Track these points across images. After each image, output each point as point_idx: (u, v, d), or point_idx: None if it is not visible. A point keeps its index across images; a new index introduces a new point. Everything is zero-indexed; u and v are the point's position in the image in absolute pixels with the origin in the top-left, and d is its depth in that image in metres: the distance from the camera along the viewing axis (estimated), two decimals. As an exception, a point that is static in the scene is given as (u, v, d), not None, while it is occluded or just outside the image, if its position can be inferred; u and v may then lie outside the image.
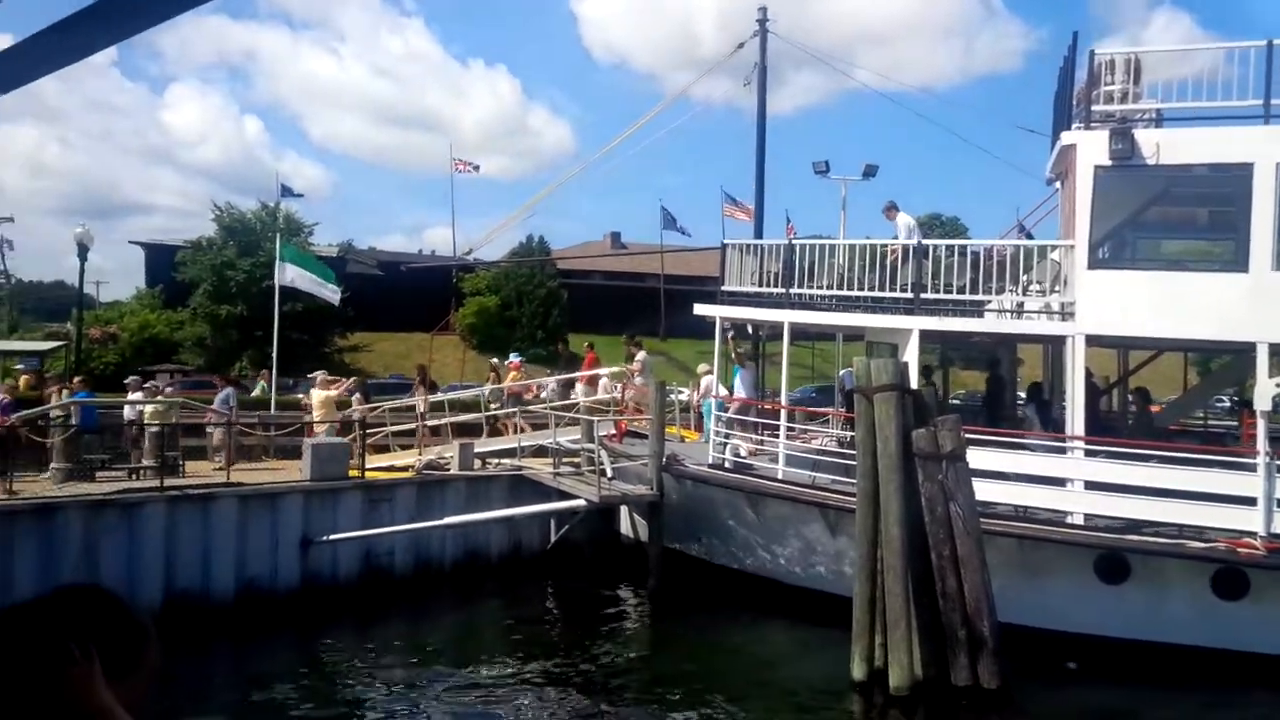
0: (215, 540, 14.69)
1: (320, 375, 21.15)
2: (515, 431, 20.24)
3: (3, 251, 57.95)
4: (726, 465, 16.41)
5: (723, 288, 17.68)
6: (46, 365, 34.29)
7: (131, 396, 19.08)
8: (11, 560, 12.95)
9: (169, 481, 15.37)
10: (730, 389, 18.60)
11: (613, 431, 19.19)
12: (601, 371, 21.85)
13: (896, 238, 16.76)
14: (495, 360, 27.57)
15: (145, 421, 17.73)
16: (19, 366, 32.99)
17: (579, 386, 21.76)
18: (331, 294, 25.28)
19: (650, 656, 14.06)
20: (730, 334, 19.60)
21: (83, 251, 29.35)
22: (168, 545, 14.29)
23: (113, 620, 1.73)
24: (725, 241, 18.63)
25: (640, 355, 21.24)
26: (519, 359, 25.28)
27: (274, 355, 23.54)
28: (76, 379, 22.90)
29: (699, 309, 18.14)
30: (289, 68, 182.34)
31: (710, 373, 19.65)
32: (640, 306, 52.89)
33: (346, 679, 12.62)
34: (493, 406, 21.70)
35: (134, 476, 16.33)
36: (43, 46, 1.97)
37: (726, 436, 16.89)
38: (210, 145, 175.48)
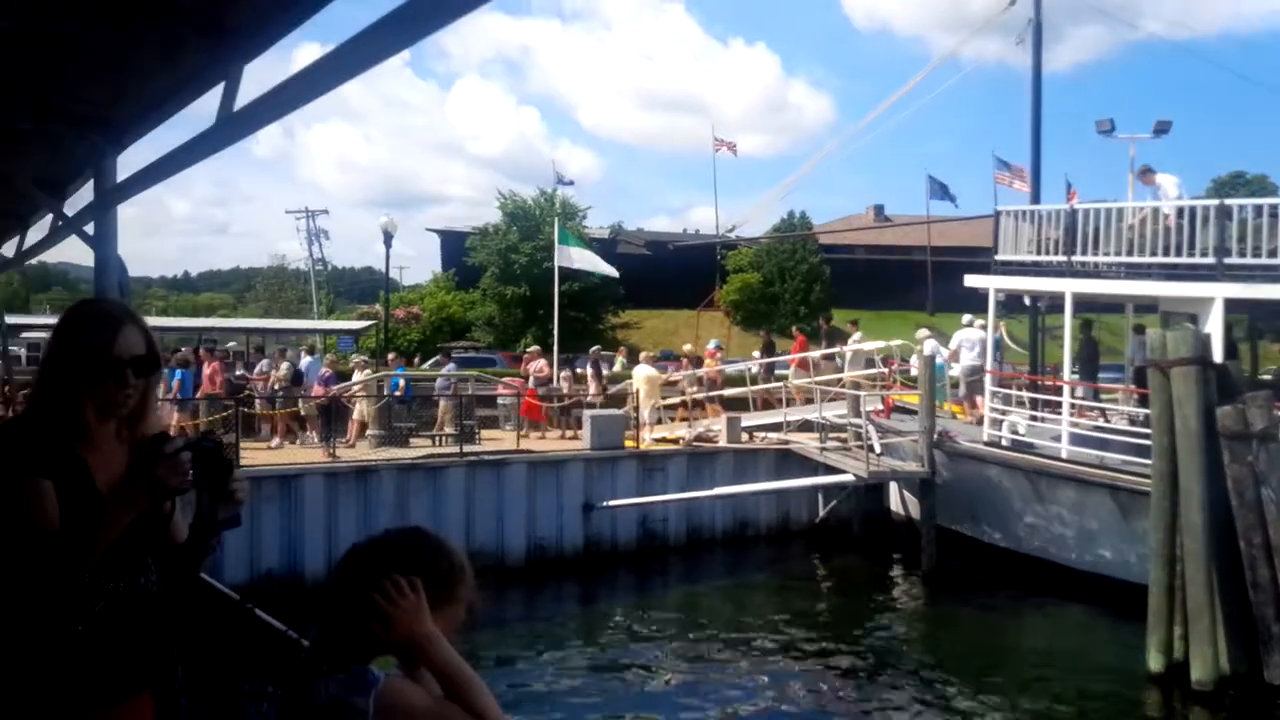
0: (508, 502, 15.99)
1: (644, 354, 22.60)
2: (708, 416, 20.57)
3: (320, 241, 65.00)
4: (1004, 443, 15.81)
5: (996, 257, 16.97)
6: (359, 343, 38.19)
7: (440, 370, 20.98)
8: (336, 514, 14.75)
9: (467, 448, 16.91)
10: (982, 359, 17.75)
11: (880, 407, 18.95)
12: (813, 354, 22.02)
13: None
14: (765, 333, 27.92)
15: (448, 394, 19.54)
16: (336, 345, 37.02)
17: (790, 369, 22.09)
18: (610, 269, 26.59)
19: (926, 636, 13.85)
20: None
21: (388, 239, 32.44)
22: (467, 505, 15.72)
23: (434, 558, 2.02)
24: (999, 208, 17.84)
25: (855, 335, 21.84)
26: (715, 346, 25.59)
27: (555, 332, 24.98)
28: (391, 355, 25.51)
29: (970, 280, 17.51)
30: (560, 59, 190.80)
31: (930, 337, 19.35)
32: (905, 280, 51.29)
33: (621, 632, 13.42)
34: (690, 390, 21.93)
35: (437, 443, 18.07)
36: (347, 53, 2.24)
37: (1003, 413, 16.26)
38: (492, 137, 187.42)
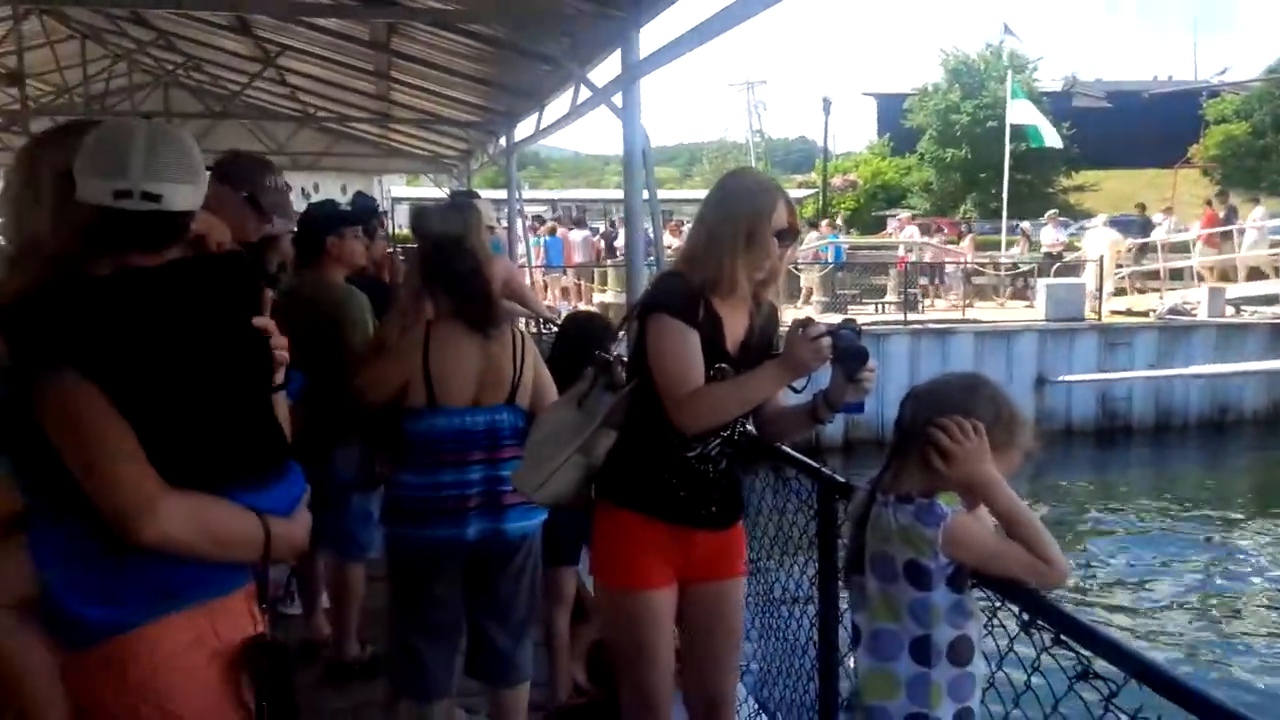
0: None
1: (1099, 217, 20.98)
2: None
3: (758, 114, 66.30)
4: None
5: None
6: (800, 210, 38.73)
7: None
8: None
9: (911, 316, 16.72)
10: None
11: None
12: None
13: None
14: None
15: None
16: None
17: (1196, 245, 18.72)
18: (1055, 138, 24.38)
19: None
20: None
21: (826, 106, 32.25)
22: (911, 374, 15.63)
23: (994, 403, 2.06)
24: None
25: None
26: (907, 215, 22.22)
27: (1003, 197, 23.56)
28: (823, 223, 25.75)
29: None
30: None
31: None
32: None
33: (1072, 506, 12.78)
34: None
35: (879, 310, 18.08)
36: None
37: None
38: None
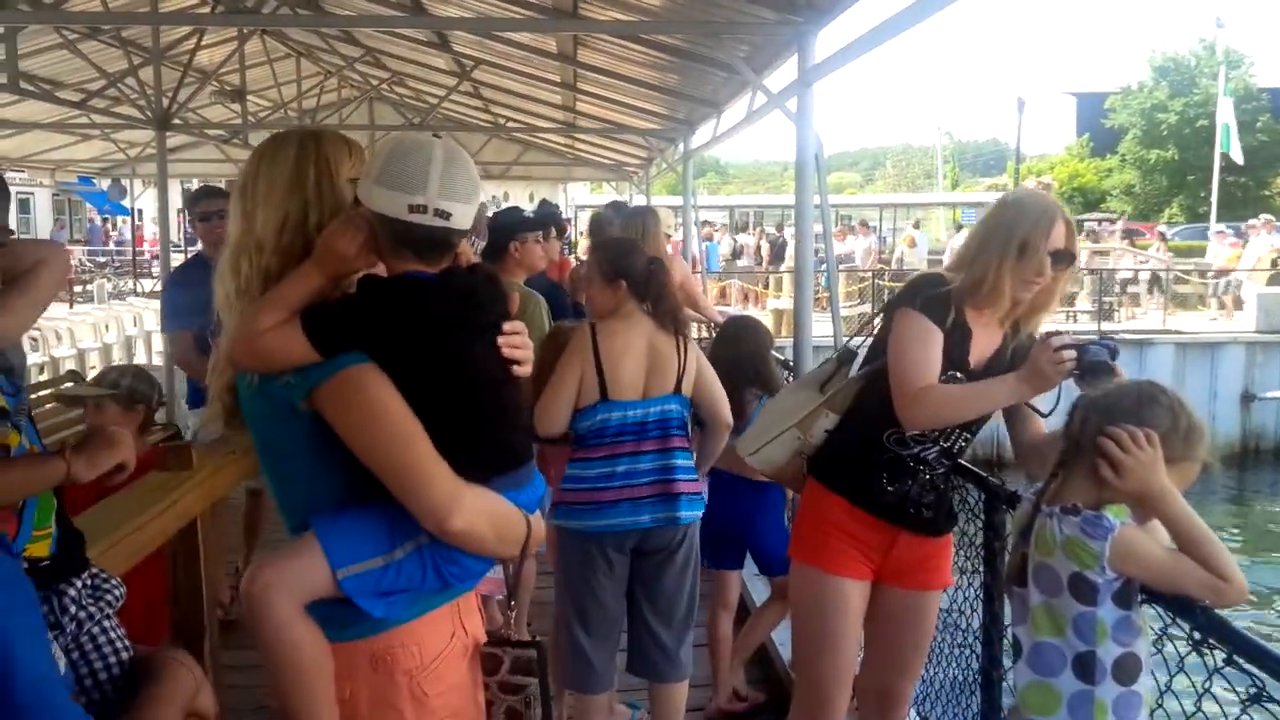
0: (1152, 386, 14.74)
1: None
2: None
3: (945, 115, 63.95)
4: None
5: None
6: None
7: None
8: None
9: (1105, 326, 15.85)
10: None
11: None
12: None
13: None
14: None
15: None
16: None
17: None
18: (1236, 151, 22.32)
19: None
20: None
21: (1020, 106, 30.88)
22: (1103, 388, 14.83)
23: (1173, 413, 1.97)
24: None
25: None
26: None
27: (1213, 199, 21.96)
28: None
29: None
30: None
31: None
32: None
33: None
34: None
35: (1069, 319, 17.21)
36: None
37: None
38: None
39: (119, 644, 2.07)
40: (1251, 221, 19.59)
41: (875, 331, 2.71)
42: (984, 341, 2.55)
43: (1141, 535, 1.95)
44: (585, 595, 3.24)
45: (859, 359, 2.76)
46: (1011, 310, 2.52)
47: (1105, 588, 1.94)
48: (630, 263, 3.22)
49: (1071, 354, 2.25)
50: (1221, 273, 18.19)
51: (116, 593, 2.14)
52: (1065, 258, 2.44)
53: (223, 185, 8.28)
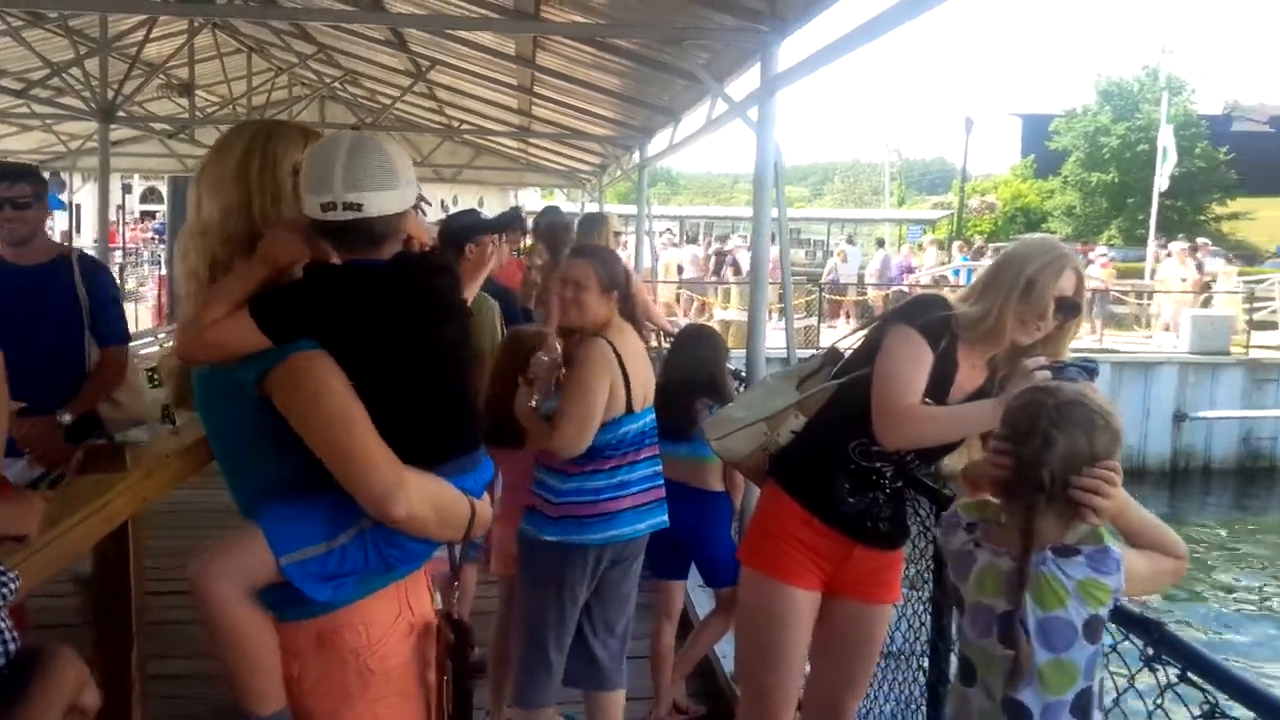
0: (1089, 403, 15.06)
1: None
2: None
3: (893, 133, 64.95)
4: None
5: None
6: (926, 231, 37.84)
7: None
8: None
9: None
10: None
11: None
12: None
13: None
14: None
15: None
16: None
17: None
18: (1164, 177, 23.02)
19: None
20: None
21: (968, 126, 31.50)
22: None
23: (1109, 425, 1.95)
24: None
25: None
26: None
27: (1151, 223, 22.52)
28: (957, 244, 25.18)
29: None
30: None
31: None
32: None
33: (1206, 554, 12.15)
34: None
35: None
36: None
37: None
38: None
39: (6, 635, 2.00)
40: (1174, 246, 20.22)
41: (861, 341, 2.69)
42: (968, 380, 2.54)
43: (1130, 552, 1.93)
44: (570, 609, 3.19)
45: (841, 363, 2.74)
46: (1008, 353, 2.49)
47: (1106, 620, 1.90)
48: (619, 272, 3.23)
49: (1048, 375, 2.24)
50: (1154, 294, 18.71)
51: (12, 585, 2.07)
52: (1071, 307, 2.41)
53: (163, 180, 8.09)
